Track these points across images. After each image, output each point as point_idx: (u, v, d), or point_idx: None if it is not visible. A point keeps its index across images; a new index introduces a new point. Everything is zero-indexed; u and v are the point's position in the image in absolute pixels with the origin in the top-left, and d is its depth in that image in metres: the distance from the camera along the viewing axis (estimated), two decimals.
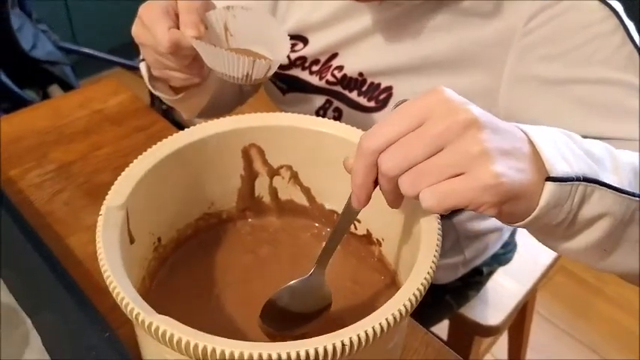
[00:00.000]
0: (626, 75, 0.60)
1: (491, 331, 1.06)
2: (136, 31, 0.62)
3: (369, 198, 0.44)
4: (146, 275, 0.57)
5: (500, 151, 0.39)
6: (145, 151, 0.56)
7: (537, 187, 0.41)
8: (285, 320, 0.52)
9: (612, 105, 0.61)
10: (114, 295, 0.44)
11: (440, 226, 0.50)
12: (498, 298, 1.07)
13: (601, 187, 0.43)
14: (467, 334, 1.08)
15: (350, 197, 0.45)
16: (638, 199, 0.45)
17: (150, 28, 0.59)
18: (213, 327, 0.55)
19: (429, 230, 0.49)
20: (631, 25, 0.61)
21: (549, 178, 0.41)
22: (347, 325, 0.42)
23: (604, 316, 1.68)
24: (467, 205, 0.39)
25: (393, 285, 0.59)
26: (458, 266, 0.91)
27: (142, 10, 0.61)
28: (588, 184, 0.42)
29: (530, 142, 0.42)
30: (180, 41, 0.58)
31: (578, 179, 0.42)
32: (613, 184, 0.43)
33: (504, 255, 1.01)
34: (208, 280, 0.60)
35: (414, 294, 0.44)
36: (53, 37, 1.83)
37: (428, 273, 0.46)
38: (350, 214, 0.47)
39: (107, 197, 0.51)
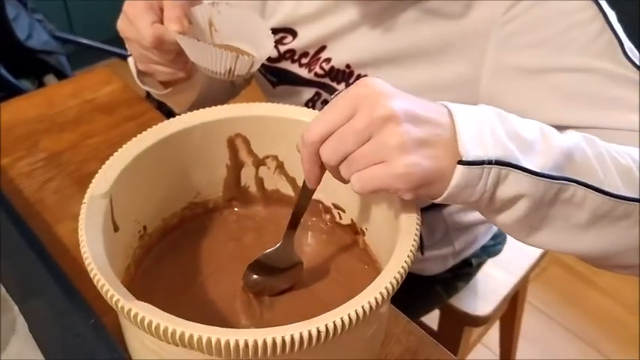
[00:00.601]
0: (606, 63, 0.60)
1: (481, 322, 1.07)
2: (121, 25, 0.63)
3: (318, 180, 0.50)
4: (131, 263, 0.58)
5: (415, 141, 0.43)
6: None
7: (450, 170, 0.44)
8: (265, 282, 0.58)
9: (591, 93, 0.61)
10: (94, 282, 0.44)
11: (419, 216, 0.51)
12: (488, 288, 1.07)
13: (516, 170, 0.45)
14: (457, 325, 1.09)
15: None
16: (558, 181, 0.46)
17: (134, 22, 0.60)
18: (198, 314, 0.56)
19: (409, 219, 0.50)
20: (611, 14, 0.61)
21: (461, 162, 0.44)
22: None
23: (596, 306, 1.69)
24: (386, 189, 0.45)
25: (376, 273, 0.60)
26: (447, 257, 0.91)
27: (127, 5, 0.61)
28: (502, 167, 0.44)
29: (453, 126, 0.45)
30: (164, 36, 0.58)
31: (490, 162, 0.44)
32: (530, 168, 0.45)
33: (494, 247, 1.01)
34: (194, 269, 0.60)
35: (390, 282, 0.45)
36: (49, 26, 1.83)
37: (405, 262, 0.46)
38: (307, 191, 0.53)
39: (91, 185, 0.52)
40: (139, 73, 0.69)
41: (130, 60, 0.70)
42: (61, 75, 1.81)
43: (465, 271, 0.99)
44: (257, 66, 0.60)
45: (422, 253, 0.86)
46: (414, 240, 0.48)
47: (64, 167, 0.78)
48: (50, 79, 1.82)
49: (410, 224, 0.50)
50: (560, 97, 0.62)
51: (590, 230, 0.49)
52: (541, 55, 0.62)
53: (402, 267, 0.46)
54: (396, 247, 0.48)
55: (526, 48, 0.63)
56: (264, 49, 0.61)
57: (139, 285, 0.58)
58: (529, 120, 0.49)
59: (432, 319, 1.14)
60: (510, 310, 1.27)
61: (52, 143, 0.82)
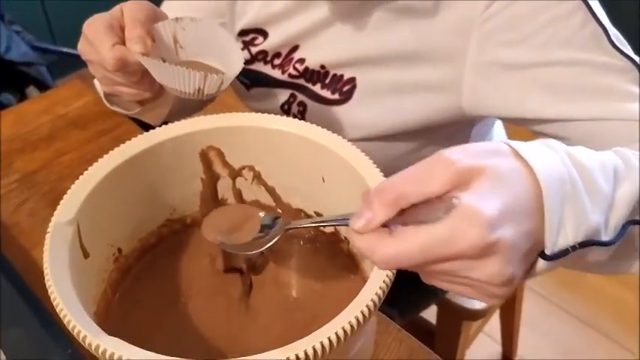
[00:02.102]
0: (590, 54, 0.59)
1: (479, 315, 1.05)
2: (82, 48, 0.59)
3: None
4: (107, 287, 0.56)
5: (514, 277, 0.37)
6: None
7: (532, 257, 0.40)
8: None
9: (579, 85, 0.59)
10: (62, 318, 0.42)
11: None
12: None
13: (596, 246, 0.41)
14: (455, 319, 1.07)
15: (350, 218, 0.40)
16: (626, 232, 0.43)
17: (94, 44, 0.56)
18: (182, 335, 0.55)
19: None
20: (595, 3, 0.59)
21: (544, 256, 0.39)
22: (316, 325, 0.41)
23: (594, 286, 1.67)
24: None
25: (362, 282, 0.58)
26: None
27: (86, 25, 0.58)
28: (584, 247, 0.40)
29: (541, 211, 0.38)
30: (126, 57, 0.55)
31: (574, 248, 0.40)
32: (609, 239, 0.42)
33: None
34: (174, 288, 0.58)
35: (373, 297, 0.43)
36: (27, 37, 1.80)
37: (387, 276, 0.44)
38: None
39: (55, 213, 0.49)
40: (106, 94, 0.67)
41: (96, 82, 0.67)
42: (42, 86, 1.78)
43: None
44: (227, 83, 0.57)
45: None
46: None
47: (38, 188, 0.76)
48: (32, 90, 1.79)
49: None
50: (548, 92, 0.60)
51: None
52: (525, 50, 0.61)
53: (387, 276, 0.44)
54: None
55: (508, 44, 0.61)
56: (234, 65, 0.58)
57: (117, 310, 0.56)
58: (601, 158, 0.44)
59: (431, 314, 1.13)
60: (510, 298, 1.26)
61: (25, 163, 0.80)
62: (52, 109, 0.88)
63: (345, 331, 0.40)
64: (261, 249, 0.52)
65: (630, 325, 1.57)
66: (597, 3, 0.59)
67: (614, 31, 0.59)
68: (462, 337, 1.11)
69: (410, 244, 0.36)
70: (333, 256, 0.61)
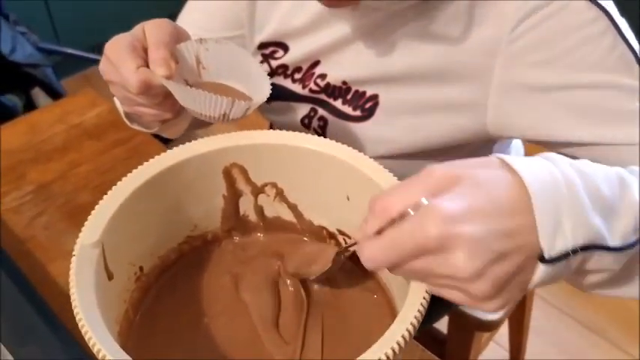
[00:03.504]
0: (619, 77, 0.58)
1: (491, 326, 1.04)
2: (103, 68, 0.58)
3: None
4: (129, 307, 0.55)
5: (502, 280, 0.38)
6: (125, 166, 0.54)
7: (531, 266, 0.39)
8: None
9: (607, 109, 0.58)
10: (91, 346, 0.41)
11: None
12: None
13: (600, 250, 0.40)
14: (467, 330, 1.06)
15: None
16: (636, 246, 0.42)
17: (117, 66, 0.55)
18: (201, 354, 0.54)
19: None
20: (623, 23, 0.58)
21: (543, 259, 0.39)
22: (340, 348, 0.41)
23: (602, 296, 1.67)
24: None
25: (385, 303, 0.57)
26: None
27: (108, 46, 0.57)
28: (587, 251, 0.40)
29: (531, 213, 0.38)
30: (151, 81, 0.54)
31: (574, 251, 0.39)
32: (615, 245, 0.41)
33: None
34: (195, 306, 0.58)
35: (404, 332, 0.42)
36: (32, 38, 1.79)
37: (421, 304, 0.43)
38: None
39: (80, 235, 0.48)
40: (126, 113, 0.66)
41: (116, 100, 0.66)
42: (48, 88, 1.77)
43: None
44: (253, 109, 0.56)
45: None
46: None
47: (53, 200, 0.75)
48: (37, 92, 1.78)
49: None
50: (575, 114, 0.59)
51: None
52: (553, 72, 0.59)
53: (419, 310, 0.43)
54: (412, 283, 0.45)
55: (536, 66, 0.60)
56: (261, 90, 0.57)
57: (139, 329, 0.55)
58: (606, 168, 0.44)
59: (441, 324, 1.12)
60: (519, 308, 1.25)
61: (39, 174, 0.79)
62: (66, 119, 0.87)
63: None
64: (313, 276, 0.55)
65: (635, 332, 1.57)
66: (626, 25, 0.58)
67: None
68: (473, 347, 1.10)
69: (384, 240, 0.39)
70: (356, 275, 0.60)
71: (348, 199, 0.57)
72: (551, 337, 1.58)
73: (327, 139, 0.57)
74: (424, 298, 0.44)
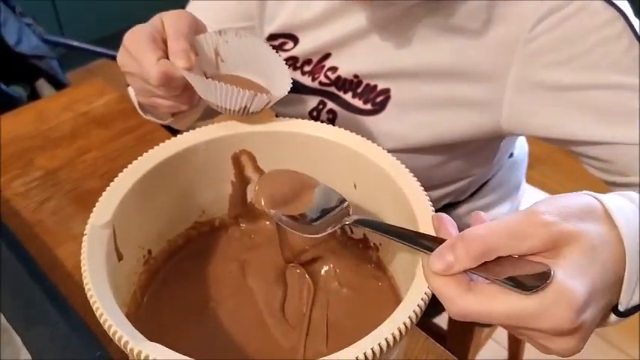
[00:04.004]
0: (635, 78, 0.58)
1: None
2: (122, 60, 0.58)
3: None
4: (137, 289, 0.56)
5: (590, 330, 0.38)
6: (133, 154, 0.54)
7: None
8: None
9: (622, 109, 0.59)
10: (103, 324, 0.42)
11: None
12: None
13: None
14: (467, 325, 1.07)
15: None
16: None
17: (137, 58, 0.55)
18: (211, 340, 0.54)
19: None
20: (637, 24, 0.59)
21: (616, 311, 0.40)
22: (344, 334, 0.41)
23: None
24: None
25: (390, 291, 0.58)
26: None
27: (128, 37, 0.57)
28: None
29: (622, 268, 0.39)
30: (171, 73, 0.54)
31: None
32: None
33: None
34: (203, 291, 0.58)
35: (414, 310, 0.43)
36: (38, 30, 1.79)
37: (426, 292, 0.44)
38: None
39: (92, 215, 0.49)
40: (140, 104, 0.66)
41: (130, 90, 0.66)
42: (52, 79, 1.77)
43: None
44: (272, 103, 0.56)
45: None
46: None
47: (61, 186, 0.76)
48: (42, 84, 1.78)
49: None
50: (591, 114, 0.60)
51: None
52: (570, 72, 0.60)
53: (426, 292, 0.44)
54: (417, 271, 0.46)
55: (554, 65, 0.61)
56: (281, 84, 0.57)
57: (147, 312, 0.56)
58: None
59: (441, 318, 1.13)
60: None
61: (46, 161, 0.80)
62: (74, 107, 0.87)
63: (387, 342, 0.40)
64: (322, 234, 0.49)
65: (632, 331, 1.57)
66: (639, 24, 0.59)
67: None
68: (473, 342, 1.10)
69: (496, 308, 0.36)
70: (361, 263, 0.61)
71: (355, 186, 0.58)
72: None
73: (334, 127, 0.58)
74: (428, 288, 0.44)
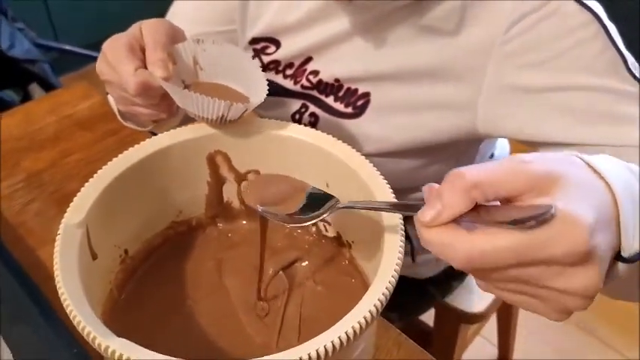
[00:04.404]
0: (609, 80, 0.59)
1: (476, 319, 1.06)
2: (101, 68, 0.59)
3: None
4: (114, 288, 0.57)
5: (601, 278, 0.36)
6: (115, 156, 0.55)
7: (606, 263, 0.37)
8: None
9: (597, 111, 0.60)
10: (72, 319, 0.43)
11: (402, 229, 0.49)
12: None
13: None
14: (452, 323, 1.08)
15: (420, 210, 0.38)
16: None
17: (115, 67, 0.56)
18: (187, 337, 0.56)
19: (392, 233, 0.49)
20: (612, 28, 0.60)
21: (620, 258, 0.38)
22: (317, 331, 0.42)
23: None
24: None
25: (362, 287, 0.59)
26: (440, 260, 0.90)
27: (106, 46, 0.58)
28: None
29: (617, 214, 0.38)
30: (149, 82, 0.55)
31: None
32: None
33: None
34: (179, 290, 0.59)
35: (375, 303, 0.44)
36: (30, 34, 1.80)
37: (391, 277, 0.45)
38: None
39: (66, 215, 0.50)
40: (121, 112, 0.67)
41: (110, 98, 0.67)
42: (45, 83, 1.79)
43: (459, 270, 0.98)
44: (250, 111, 0.57)
45: (413, 260, 0.85)
46: (399, 255, 0.47)
47: (44, 187, 0.77)
48: (35, 88, 1.80)
49: (393, 239, 0.49)
50: (567, 116, 0.61)
51: None
52: (545, 74, 0.61)
53: (389, 282, 0.45)
54: (381, 264, 0.47)
55: (529, 67, 0.61)
56: (258, 92, 0.58)
57: (123, 311, 0.57)
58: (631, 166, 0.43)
59: (428, 316, 1.14)
60: (507, 304, 1.27)
61: (31, 163, 0.81)
62: (58, 110, 0.89)
63: (347, 336, 0.41)
64: (310, 222, 0.49)
65: (624, 328, 1.58)
66: (615, 30, 0.60)
67: (631, 60, 0.60)
68: (459, 339, 1.12)
69: (503, 243, 0.34)
70: (335, 260, 0.62)
71: (328, 185, 0.59)
72: (542, 336, 1.60)
73: (307, 127, 0.59)
74: (392, 276, 0.45)
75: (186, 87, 0.60)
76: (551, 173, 0.35)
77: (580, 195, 0.35)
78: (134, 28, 0.59)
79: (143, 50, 0.57)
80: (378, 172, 0.54)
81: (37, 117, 0.88)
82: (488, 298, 1.06)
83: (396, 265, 0.47)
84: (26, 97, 1.80)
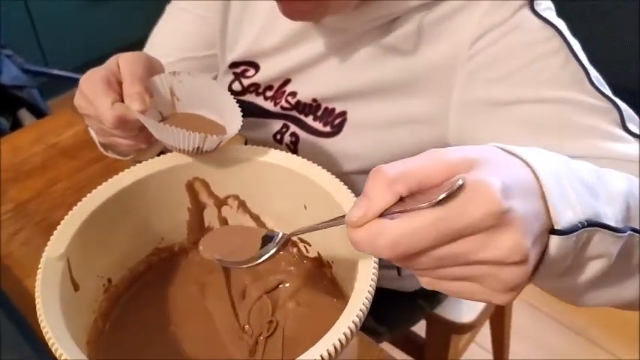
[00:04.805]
0: (572, 93, 0.60)
1: (466, 329, 1.07)
2: (78, 102, 0.60)
3: None
4: (98, 317, 0.57)
5: (529, 256, 0.36)
6: (100, 183, 0.56)
7: (543, 247, 0.38)
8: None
9: (561, 123, 0.60)
10: (54, 352, 0.44)
11: None
12: None
13: (602, 230, 0.40)
14: (443, 333, 1.09)
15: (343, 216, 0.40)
16: (626, 234, 0.42)
17: (92, 101, 0.57)
18: None
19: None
20: (575, 44, 0.61)
21: (554, 231, 0.38)
22: (300, 352, 0.43)
23: None
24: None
25: (345, 306, 0.60)
26: None
27: (83, 81, 0.59)
28: (591, 228, 0.39)
29: (539, 188, 0.38)
30: (126, 116, 0.56)
31: (582, 226, 0.38)
32: (612, 224, 0.41)
33: None
34: (162, 315, 0.60)
35: (350, 324, 0.45)
36: (18, 60, 1.82)
37: (365, 298, 0.46)
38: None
39: (46, 248, 0.51)
40: (101, 142, 0.68)
41: (90, 130, 0.68)
42: (34, 109, 1.80)
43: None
44: (224, 142, 0.59)
45: (399, 274, 0.86)
46: (373, 271, 0.49)
47: (31, 217, 0.78)
48: (24, 113, 1.81)
49: (366, 256, 0.50)
50: (531, 129, 0.61)
51: (635, 276, 0.46)
52: (509, 87, 0.62)
53: (366, 297, 0.46)
54: (355, 284, 0.48)
55: (493, 81, 0.62)
56: (233, 123, 0.59)
57: (108, 339, 0.57)
58: (575, 159, 0.43)
59: (421, 327, 1.14)
60: (499, 309, 1.28)
61: (18, 193, 0.82)
62: (44, 139, 0.90)
63: (328, 354, 0.42)
64: (259, 261, 0.52)
65: (618, 332, 1.59)
66: (578, 44, 0.61)
67: (594, 73, 0.61)
68: (451, 349, 1.12)
69: (421, 220, 0.34)
70: (317, 280, 0.63)
71: (306, 208, 0.60)
72: (535, 340, 1.61)
73: (283, 152, 0.60)
74: (368, 292, 0.47)
75: (163, 118, 0.61)
76: (468, 157, 0.36)
77: (492, 169, 0.36)
78: (111, 62, 0.60)
79: (120, 83, 0.58)
80: (351, 193, 0.56)
81: (24, 147, 0.89)
82: (477, 307, 1.07)
83: (371, 280, 0.48)
84: (15, 123, 1.81)
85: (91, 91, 0.57)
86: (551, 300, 1.69)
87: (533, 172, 0.38)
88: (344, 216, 0.39)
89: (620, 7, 1.71)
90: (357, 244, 0.37)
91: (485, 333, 1.40)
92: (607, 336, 1.60)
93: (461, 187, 0.34)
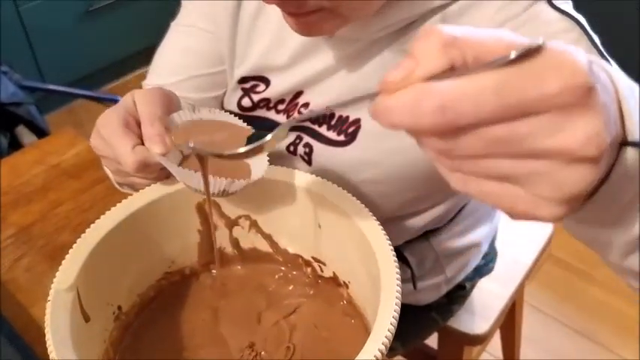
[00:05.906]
0: None
1: (479, 340, 1.05)
2: (96, 144, 0.57)
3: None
4: (109, 346, 0.56)
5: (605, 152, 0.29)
6: (105, 204, 0.54)
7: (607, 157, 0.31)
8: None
9: None
10: None
11: (397, 268, 0.49)
12: (483, 306, 1.06)
13: None
14: (456, 345, 1.07)
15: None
16: None
17: (111, 144, 0.54)
18: None
19: (388, 272, 0.49)
20: (595, 37, 0.59)
21: (627, 142, 0.32)
22: None
23: (593, 300, 1.68)
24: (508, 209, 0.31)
25: (363, 327, 0.58)
26: (440, 285, 0.89)
27: (100, 122, 0.56)
28: None
29: (614, 86, 0.32)
30: (147, 160, 0.53)
31: None
32: None
33: (485, 266, 1.00)
34: (174, 341, 0.58)
35: (378, 349, 0.43)
36: (15, 77, 1.80)
37: (391, 323, 0.45)
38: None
39: (55, 279, 0.49)
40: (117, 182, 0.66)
41: (106, 169, 0.65)
42: (32, 125, 1.78)
43: (459, 294, 0.97)
44: (250, 183, 0.56)
45: (414, 287, 0.84)
46: (397, 292, 0.47)
47: (34, 242, 0.76)
48: (21, 130, 1.79)
49: (390, 279, 0.48)
50: None
51: None
52: None
53: (389, 329, 0.44)
54: (379, 308, 0.47)
55: None
56: (259, 167, 0.57)
57: None
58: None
59: (432, 338, 1.13)
60: (510, 317, 1.26)
61: (20, 217, 0.80)
62: (45, 159, 0.88)
63: None
64: (249, 148, 0.41)
65: (630, 337, 1.57)
66: (597, 39, 0.59)
67: (615, 66, 0.59)
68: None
69: (483, 82, 0.27)
70: (333, 301, 0.61)
71: (320, 226, 0.59)
72: (544, 344, 1.59)
73: (296, 170, 0.59)
74: (393, 317, 0.45)
75: (184, 157, 0.59)
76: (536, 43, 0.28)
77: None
78: (127, 100, 0.57)
79: (138, 124, 0.56)
80: (368, 211, 0.54)
81: (24, 169, 0.87)
82: (490, 318, 1.05)
83: (395, 305, 0.46)
84: (14, 141, 1.79)
85: (109, 133, 0.55)
86: (562, 306, 1.69)
87: (610, 78, 0.32)
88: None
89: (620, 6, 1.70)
90: (391, 111, 0.30)
91: (495, 341, 1.38)
92: (619, 341, 1.58)
93: (539, 49, 0.27)
